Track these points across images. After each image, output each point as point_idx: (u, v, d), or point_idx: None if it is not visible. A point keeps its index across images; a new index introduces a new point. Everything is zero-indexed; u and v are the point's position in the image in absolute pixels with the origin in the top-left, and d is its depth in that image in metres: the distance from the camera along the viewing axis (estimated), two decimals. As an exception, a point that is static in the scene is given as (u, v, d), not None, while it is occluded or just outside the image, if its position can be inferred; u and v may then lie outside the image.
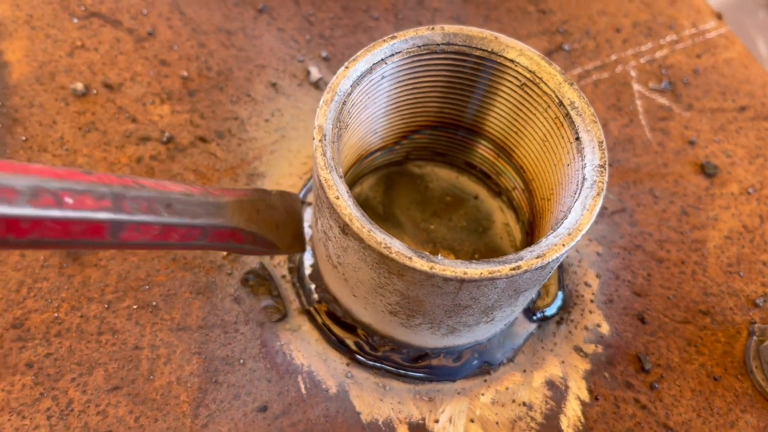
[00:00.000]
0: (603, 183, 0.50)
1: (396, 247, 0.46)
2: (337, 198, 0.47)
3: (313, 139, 0.49)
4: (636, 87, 0.79)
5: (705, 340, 0.65)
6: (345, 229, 0.47)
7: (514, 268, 0.46)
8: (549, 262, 0.47)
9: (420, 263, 0.45)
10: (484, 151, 0.65)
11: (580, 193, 0.50)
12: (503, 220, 0.68)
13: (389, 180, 0.70)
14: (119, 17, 0.76)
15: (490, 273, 0.45)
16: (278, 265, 0.65)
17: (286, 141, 0.71)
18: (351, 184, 0.67)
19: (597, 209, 0.49)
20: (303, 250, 0.58)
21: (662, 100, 0.78)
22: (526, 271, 0.46)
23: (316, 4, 0.80)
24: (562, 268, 0.67)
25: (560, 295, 0.66)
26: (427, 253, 0.46)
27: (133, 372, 0.59)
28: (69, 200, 0.37)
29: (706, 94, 0.79)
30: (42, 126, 0.69)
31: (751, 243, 0.70)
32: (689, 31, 0.84)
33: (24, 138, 0.68)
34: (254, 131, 0.72)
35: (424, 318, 0.53)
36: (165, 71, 0.74)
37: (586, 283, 0.67)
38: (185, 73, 0.74)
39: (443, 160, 0.70)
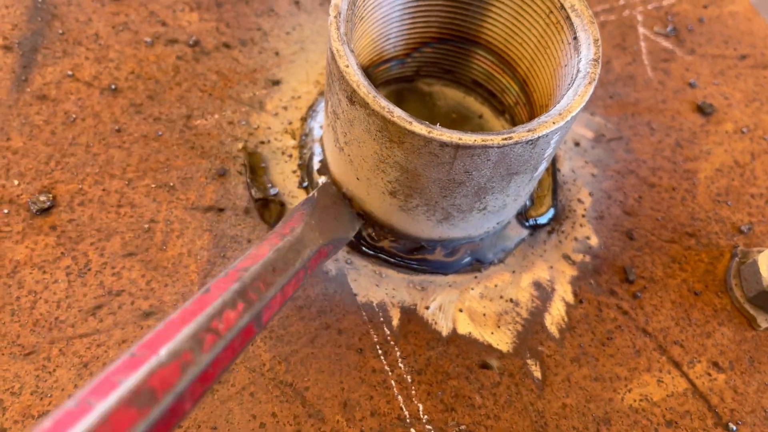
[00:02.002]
0: (595, 74, 0.53)
1: (398, 112, 0.50)
2: (347, 66, 0.51)
3: (329, 15, 0.53)
4: (641, 30, 0.82)
5: (689, 259, 0.68)
6: (353, 96, 0.51)
7: (505, 138, 0.49)
8: (539, 137, 0.50)
9: (419, 128, 0.49)
10: (488, 65, 0.69)
11: (573, 83, 0.54)
12: (504, 137, 0.72)
13: (399, 95, 0.74)
14: (156, -67, 0.81)
15: (483, 141, 0.49)
16: (289, 160, 0.69)
17: (305, 53, 0.76)
18: (363, 93, 0.71)
19: (588, 95, 0.52)
20: (361, 222, 0.64)
21: (666, 44, 0.82)
22: (516, 143, 0.50)
23: (342, -66, 0.85)
24: (557, 183, 0.71)
25: (553, 207, 0.69)
26: (427, 122, 0.50)
27: (147, 242, 0.63)
28: (221, 325, 0.40)
29: (709, 41, 0.83)
30: (78, 22, 0.73)
31: (741, 177, 0.73)
32: (698, -16, 0.87)
33: (61, 32, 0.73)
34: (275, 42, 0.76)
35: (421, 198, 0.57)
36: (195, -17, 0.78)
37: (579, 200, 0.70)
38: (214, -13, 0.78)
39: (452, 78, 0.74)
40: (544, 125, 0.50)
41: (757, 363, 0.64)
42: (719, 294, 0.67)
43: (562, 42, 0.58)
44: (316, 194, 0.60)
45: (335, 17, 0.53)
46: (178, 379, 0.36)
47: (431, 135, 0.49)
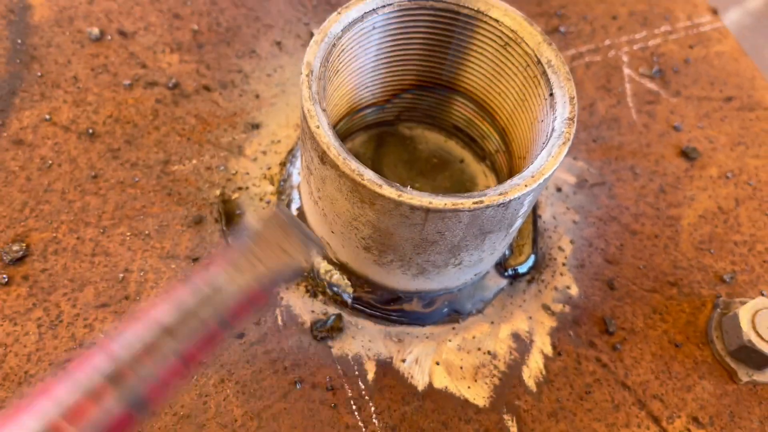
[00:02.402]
0: (570, 134, 0.53)
1: (368, 175, 0.49)
2: (318, 127, 0.50)
3: (301, 73, 0.53)
4: (626, 71, 0.82)
5: (670, 309, 0.68)
6: (323, 157, 0.50)
7: (476, 202, 0.49)
8: (510, 201, 0.50)
9: (389, 191, 0.49)
10: (468, 112, 0.68)
11: (548, 142, 0.53)
12: (485, 183, 0.71)
13: (380, 139, 0.74)
14: (139, -28, 0.80)
15: (453, 204, 0.49)
16: (267, 206, 0.68)
17: (286, 95, 0.75)
18: (343, 138, 0.71)
19: (562, 156, 0.52)
20: (318, 244, 0.49)
21: (651, 85, 0.81)
22: (488, 206, 0.49)
23: (326, -27, 0.84)
24: (537, 231, 0.70)
25: (533, 255, 0.69)
26: (397, 183, 0.49)
27: (121, 292, 0.62)
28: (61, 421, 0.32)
29: (695, 82, 0.82)
30: (57, 64, 0.73)
31: (724, 223, 0.73)
32: (684, 24, 0.87)
33: (40, 74, 0.72)
34: (256, 84, 0.75)
35: (395, 254, 0.56)
36: (177, 24, 0.78)
37: (560, 248, 0.70)
38: (196, 27, 0.78)
39: (432, 122, 0.73)
40: (516, 188, 0.50)
41: (738, 418, 0.63)
42: (700, 346, 0.66)
43: (539, 96, 0.58)
44: (256, 229, 0.46)
45: (307, 75, 0.52)
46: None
47: (401, 198, 0.48)
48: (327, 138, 0.50)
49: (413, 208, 0.49)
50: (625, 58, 0.83)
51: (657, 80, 0.82)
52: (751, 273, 0.70)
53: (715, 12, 0.88)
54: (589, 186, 0.73)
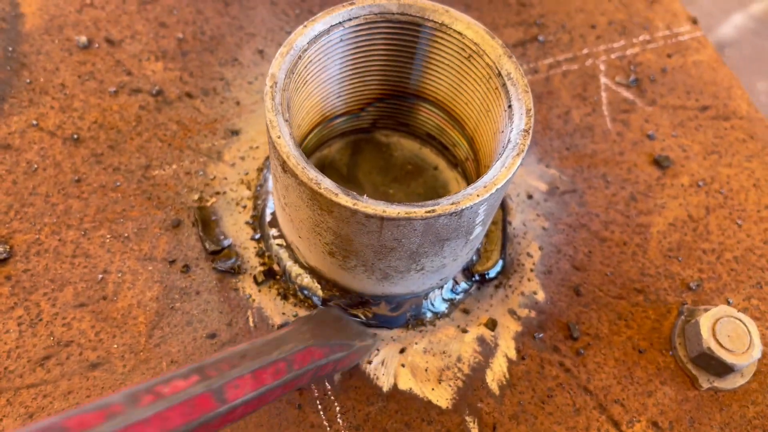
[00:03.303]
0: (525, 145, 0.54)
1: (326, 184, 0.51)
2: (279, 137, 0.52)
3: (266, 84, 0.55)
4: (603, 80, 0.83)
5: (635, 316, 0.69)
6: (284, 166, 0.52)
7: (429, 211, 0.51)
8: (463, 210, 0.51)
9: (345, 200, 0.51)
10: (439, 120, 0.70)
11: (503, 153, 0.55)
12: (457, 190, 0.73)
13: (356, 146, 0.76)
14: (127, -19, 0.83)
15: (406, 213, 0.50)
16: (243, 211, 0.71)
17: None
18: (318, 145, 0.73)
19: (515, 167, 0.53)
20: (372, 336, 0.64)
21: (627, 94, 0.82)
22: (440, 215, 0.51)
23: (310, -18, 0.86)
24: (507, 237, 0.72)
25: (501, 261, 0.70)
26: (354, 192, 0.51)
27: (99, 292, 0.65)
28: (166, 389, 0.40)
29: (671, 91, 0.83)
30: (46, 71, 0.76)
31: (693, 231, 0.74)
32: (663, 33, 0.88)
33: (29, 81, 0.75)
34: (237, 92, 0.78)
35: (358, 260, 0.58)
36: (163, 32, 0.80)
37: (528, 254, 0.71)
38: (181, 35, 0.80)
39: (407, 130, 0.75)
40: (468, 198, 0.52)
41: (698, 424, 0.64)
42: (663, 352, 0.67)
43: (500, 107, 0.59)
44: (315, 314, 0.61)
45: (271, 87, 0.55)
46: (97, 424, 0.36)
47: (356, 207, 0.50)
48: (287, 148, 0.52)
49: (368, 216, 0.51)
50: (602, 67, 0.84)
51: (633, 89, 0.83)
52: (718, 281, 0.71)
53: (695, 21, 0.89)
54: (560, 193, 0.75)
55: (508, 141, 0.55)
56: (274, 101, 0.54)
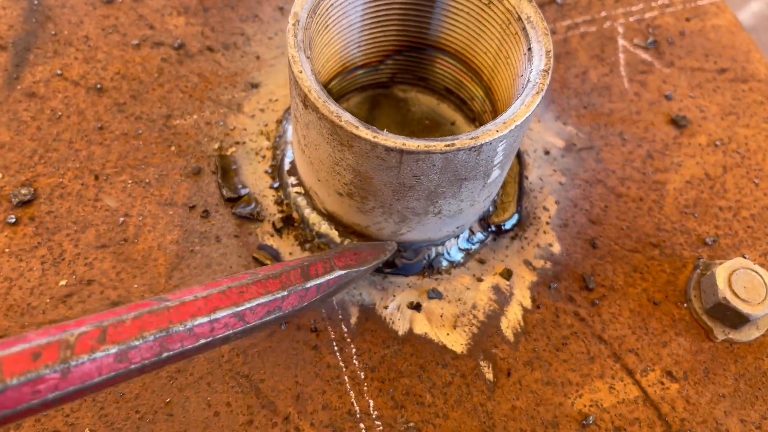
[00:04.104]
0: (544, 84, 0.55)
1: (346, 117, 0.52)
2: (300, 72, 0.53)
3: (288, 23, 0.56)
4: (621, 42, 0.83)
5: (651, 269, 0.69)
6: (305, 101, 0.53)
7: (448, 145, 0.51)
8: (482, 145, 0.52)
9: (365, 133, 0.51)
10: (456, 72, 0.70)
11: (523, 92, 0.55)
12: (475, 144, 0.74)
13: (374, 101, 0.76)
14: (150, -61, 0.84)
15: (426, 147, 0.51)
16: (262, 161, 0.71)
17: (285, 57, 0.78)
18: (337, 98, 0.74)
19: (534, 105, 0.54)
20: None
21: (645, 56, 0.82)
22: (459, 149, 0.51)
23: (330, -57, 0.87)
24: (523, 191, 0.72)
25: (517, 214, 0.71)
26: (374, 127, 0.52)
27: (120, 234, 0.66)
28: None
29: (689, 54, 0.83)
30: (70, 24, 0.77)
31: (710, 189, 0.74)
32: (682, -3, 0.88)
33: (53, 32, 0.76)
34: (257, 46, 0.79)
35: (376, 201, 0.59)
36: (185, -11, 0.81)
37: (544, 207, 0.72)
38: (203, -8, 0.81)
39: (425, 85, 0.76)
40: (487, 133, 0.52)
41: (712, 374, 0.64)
42: (678, 305, 0.67)
43: (519, 52, 0.60)
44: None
45: (293, 25, 0.55)
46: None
47: (376, 140, 0.51)
48: (309, 82, 0.53)
49: (388, 149, 0.51)
50: (620, 29, 0.84)
51: (651, 51, 0.83)
52: (734, 237, 0.71)
53: (714, -13, 0.89)
54: (577, 150, 0.75)
55: (528, 81, 0.56)
56: (296, 38, 0.55)
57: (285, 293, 0.50)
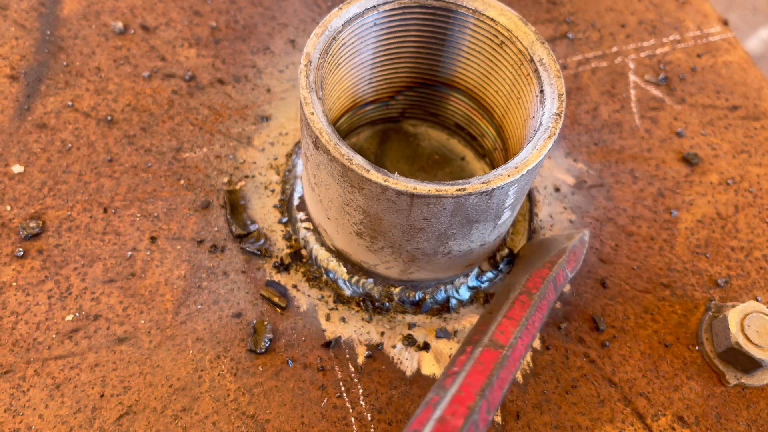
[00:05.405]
0: (556, 129, 0.54)
1: (357, 160, 0.52)
2: (312, 114, 0.53)
3: (300, 63, 0.55)
4: (632, 78, 0.83)
5: (662, 310, 0.68)
6: (317, 142, 0.53)
7: (459, 189, 0.51)
8: (493, 189, 0.51)
9: (376, 176, 0.51)
10: (467, 109, 0.70)
11: (534, 136, 0.55)
12: (484, 180, 0.73)
13: (385, 135, 0.76)
14: (164, -29, 0.85)
15: (437, 191, 0.51)
16: (271, 195, 0.71)
17: (296, 90, 0.78)
18: (347, 132, 0.74)
19: (546, 150, 0.53)
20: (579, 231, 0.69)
21: (656, 92, 0.82)
22: (470, 194, 0.51)
23: (342, -24, 0.88)
24: (532, 229, 0.72)
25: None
26: (385, 170, 0.52)
27: (128, 269, 0.65)
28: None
29: (701, 90, 0.83)
30: (82, 55, 0.77)
31: (722, 229, 0.73)
32: (693, 33, 0.88)
33: (65, 63, 0.76)
34: (268, 79, 0.79)
35: (386, 241, 0.58)
36: (197, 20, 0.82)
37: (554, 246, 0.71)
38: (214, 24, 0.82)
39: (436, 120, 0.75)
40: (499, 178, 0.52)
41: (724, 420, 0.63)
42: (690, 347, 0.66)
43: (531, 93, 0.59)
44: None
45: (306, 66, 0.55)
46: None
47: (387, 183, 0.51)
48: (320, 124, 0.52)
49: (398, 192, 0.51)
50: (631, 65, 0.84)
51: (662, 87, 0.83)
52: (747, 278, 0.71)
53: (725, 23, 0.89)
54: (588, 187, 0.75)
55: (540, 124, 0.55)
56: (308, 79, 0.55)
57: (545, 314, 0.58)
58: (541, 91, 0.57)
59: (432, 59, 0.67)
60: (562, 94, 0.56)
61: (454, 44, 0.64)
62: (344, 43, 0.60)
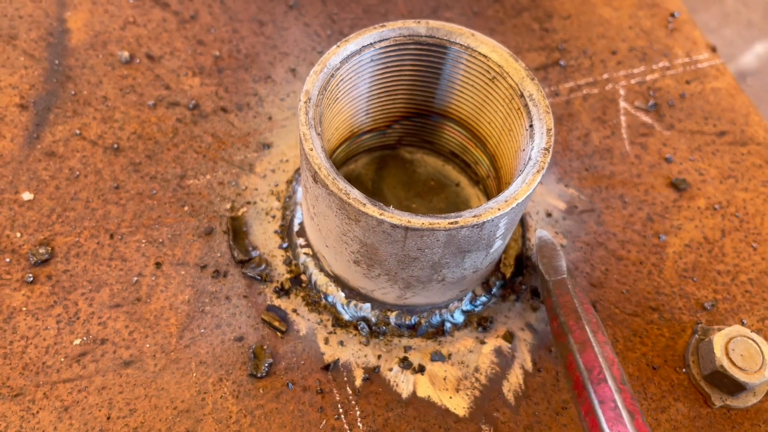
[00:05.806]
0: (545, 163, 0.57)
1: (354, 194, 0.54)
2: (311, 150, 0.55)
3: (300, 100, 0.58)
4: (622, 104, 0.85)
5: (650, 333, 0.71)
6: (315, 177, 0.55)
7: (451, 223, 0.53)
8: (484, 223, 0.54)
9: (372, 210, 0.53)
10: (461, 138, 0.73)
11: (524, 170, 0.57)
12: (478, 206, 0.76)
13: (382, 161, 0.79)
14: (168, 1, 0.87)
15: (430, 224, 0.53)
16: (272, 221, 0.74)
17: (297, 118, 0.81)
18: (345, 160, 0.76)
19: (535, 184, 0.56)
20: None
21: (645, 118, 0.84)
22: (462, 227, 0.53)
23: (341, 5, 0.90)
24: (524, 255, 0.74)
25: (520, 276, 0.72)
26: (381, 203, 0.54)
27: (133, 294, 0.68)
28: None
29: (689, 116, 0.85)
30: (90, 84, 0.80)
31: (709, 253, 0.76)
32: (682, 60, 0.90)
33: (73, 93, 0.79)
34: (270, 107, 0.81)
35: (382, 269, 0.61)
36: (200, 50, 0.84)
37: (546, 270, 0.73)
38: (217, 53, 0.84)
39: (431, 148, 0.78)
40: (489, 211, 0.54)
41: (710, 440, 0.65)
42: (677, 370, 0.69)
43: (522, 127, 0.62)
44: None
45: (305, 102, 0.58)
46: None
47: (382, 217, 0.53)
48: (319, 159, 0.55)
49: (394, 226, 0.53)
50: (621, 92, 0.86)
51: (652, 113, 0.85)
52: (733, 302, 0.73)
53: (714, 49, 0.91)
54: (579, 212, 0.77)
55: (529, 159, 0.58)
56: (307, 116, 0.57)
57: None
58: (531, 126, 0.60)
59: (427, 91, 0.69)
60: (550, 129, 0.59)
61: (448, 78, 0.67)
62: (342, 79, 0.62)
